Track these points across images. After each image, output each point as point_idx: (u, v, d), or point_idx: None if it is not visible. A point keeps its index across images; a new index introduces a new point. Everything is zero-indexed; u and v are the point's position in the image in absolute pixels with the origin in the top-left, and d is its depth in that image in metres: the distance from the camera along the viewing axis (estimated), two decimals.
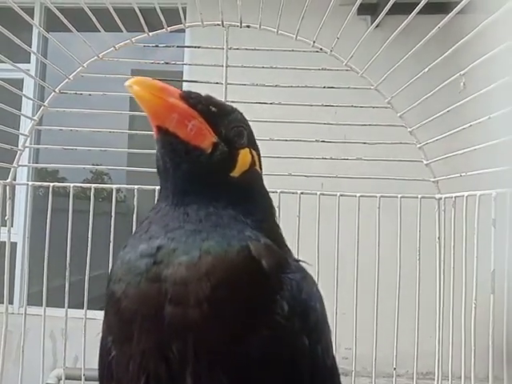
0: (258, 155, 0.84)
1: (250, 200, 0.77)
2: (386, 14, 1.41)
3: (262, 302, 0.67)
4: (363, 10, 3.15)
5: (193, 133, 0.71)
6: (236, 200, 0.74)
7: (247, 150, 0.80)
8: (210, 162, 0.73)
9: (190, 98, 0.72)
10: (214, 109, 0.75)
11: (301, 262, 0.79)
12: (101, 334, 0.76)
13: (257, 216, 0.75)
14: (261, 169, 0.86)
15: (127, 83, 0.67)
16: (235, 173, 0.76)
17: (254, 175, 0.81)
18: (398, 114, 1.66)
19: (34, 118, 1.70)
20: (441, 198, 1.65)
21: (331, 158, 1.77)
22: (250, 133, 0.83)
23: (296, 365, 0.68)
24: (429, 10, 1.36)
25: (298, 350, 0.68)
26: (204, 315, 0.63)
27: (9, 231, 1.68)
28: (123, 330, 0.69)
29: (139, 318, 0.66)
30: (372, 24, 1.56)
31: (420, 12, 1.30)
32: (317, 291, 0.77)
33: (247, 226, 0.72)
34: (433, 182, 1.67)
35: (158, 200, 0.78)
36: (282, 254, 0.75)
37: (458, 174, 1.51)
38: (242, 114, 0.82)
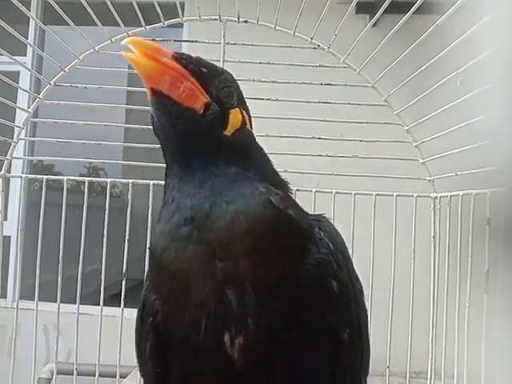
0: (249, 115, 0.87)
1: (247, 156, 0.80)
2: (384, 12, 1.41)
3: (296, 248, 0.74)
4: (361, 8, 3.15)
5: (185, 94, 0.74)
6: (234, 158, 0.78)
7: (237, 109, 0.82)
8: (203, 123, 0.76)
9: (182, 59, 0.75)
10: (204, 69, 0.77)
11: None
12: (141, 303, 0.84)
13: (258, 170, 0.79)
14: (251, 128, 0.88)
15: (123, 42, 0.71)
16: (227, 132, 0.79)
17: (246, 133, 0.84)
18: (395, 112, 1.66)
19: (29, 110, 1.69)
20: (436, 197, 1.65)
21: (327, 155, 1.77)
22: (240, 94, 0.85)
23: (334, 293, 0.77)
24: (426, 9, 1.36)
25: (334, 279, 0.77)
26: (253, 264, 0.70)
27: (2, 224, 1.68)
28: (177, 289, 0.74)
29: (193, 275, 0.72)
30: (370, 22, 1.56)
31: (417, 11, 1.30)
32: (337, 235, 0.82)
33: (254, 180, 0.76)
34: (429, 180, 1.67)
35: (166, 162, 0.81)
36: (298, 204, 0.82)
37: (454, 173, 1.51)
38: (231, 75, 0.84)
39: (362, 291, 0.87)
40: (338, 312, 0.77)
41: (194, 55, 0.79)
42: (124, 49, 0.73)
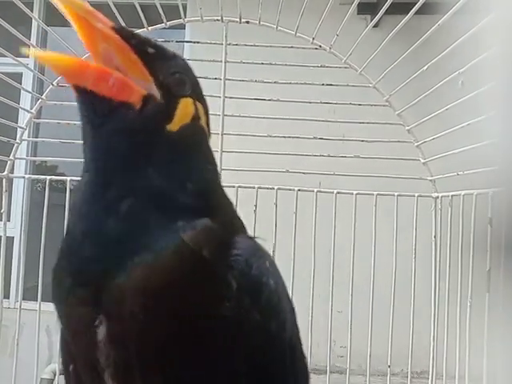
0: (206, 110, 0.72)
1: (189, 162, 0.66)
2: (386, 13, 1.41)
3: (208, 291, 0.61)
4: (363, 9, 3.15)
5: (116, 87, 0.60)
6: (171, 160, 0.64)
7: (190, 100, 0.68)
8: (140, 118, 0.62)
9: (124, 31, 0.62)
10: (151, 50, 0.65)
11: (256, 239, 0.71)
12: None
13: (197, 184, 0.65)
14: (208, 127, 0.73)
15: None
16: (172, 126, 0.64)
17: (195, 130, 0.69)
18: (396, 113, 1.67)
19: (32, 110, 1.70)
20: (438, 197, 1.65)
21: (329, 156, 1.77)
22: (196, 83, 0.71)
23: (248, 341, 0.63)
24: (427, 9, 1.36)
25: (250, 328, 0.63)
26: (142, 326, 0.58)
27: (4, 224, 1.68)
28: (65, 326, 0.66)
29: (71, 330, 0.64)
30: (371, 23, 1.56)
31: (419, 12, 1.30)
32: (270, 266, 0.69)
33: (182, 204, 0.62)
34: (430, 180, 1.68)
35: (82, 170, 0.66)
36: (225, 234, 0.65)
37: (455, 173, 1.51)
38: (185, 61, 0.71)
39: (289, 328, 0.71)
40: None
41: (153, 40, 0.67)
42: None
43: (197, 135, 0.69)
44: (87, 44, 0.61)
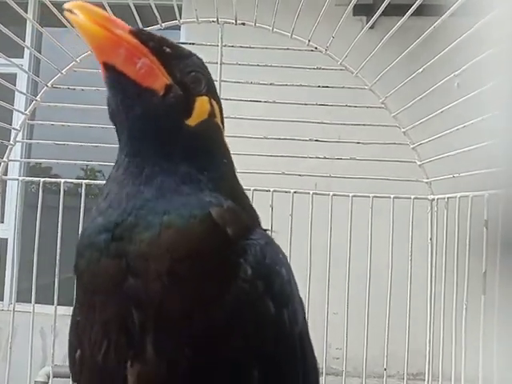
0: (220, 108, 0.76)
1: (206, 153, 0.70)
2: (381, 15, 1.41)
3: (225, 270, 0.64)
4: (359, 10, 3.15)
5: (143, 71, 0.64)
6: (192, 152, 0.68)
7: (206, 98, 0.71)
8: (163, 106, 0.66)
9: (141, 34, 0.65)
10: (168, 49, 0.67)
11: (267, 232, 0.76)
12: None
13: (215, 173, 0.69)
14: (223, 124, 0.77)
15: (66, 5, 0.59)
16: (191, 121, 0.68)
17: (212, 127, 0.73)
18: (392, 115, 1.67)
19: (26, 112, 1.69)
20: (434, 199, 1.65)
21: (325, 158, 1.77)
22: (211, 81, 0.74)
23: (260, 330, 0.65)
24: (423, 11, 1.36)
25: (262, 315, 0.65)
26: (164, 288, 0.61)
27: None
28: (87, 300, 0.68)
29: (101, 291, 0.65)
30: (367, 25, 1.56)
31: (415, 13, 1.30)
32: (283, 257, 0.73)
33: (206, 186, 0.67)
34: (426, 182, 1.68)
35: (118, 150, 0.71)
36: (246, 219, 0.70)
37: (451, 175, 1.51)
38: (201, 59, 0.74)
39: (299, 320, 0.72)
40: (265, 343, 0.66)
41: (169, 40, 0.69)
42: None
43: (213, 131, 0.73)
44: (103, 52, 0.63)
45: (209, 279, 0.63)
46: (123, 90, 0.65)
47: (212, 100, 0.73)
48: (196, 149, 0.69)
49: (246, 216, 0.71)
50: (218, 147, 0.74)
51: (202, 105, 0.70)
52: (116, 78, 0.64)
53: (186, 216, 0.62)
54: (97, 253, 0.64)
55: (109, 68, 0.64)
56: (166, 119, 0.67)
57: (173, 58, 0.68)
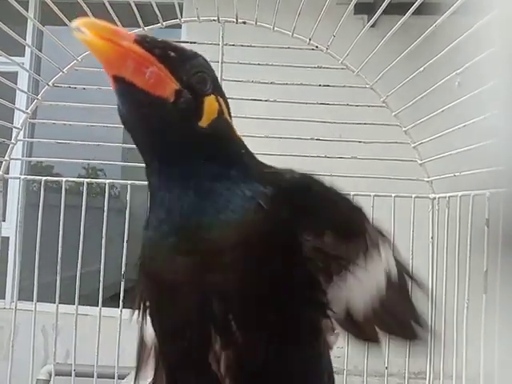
0: (226, 103, 0.78)
1: (227, 149, 0.73)
2: (383, 13, 1.41)
3: (286, 246, 0.70)
4: (360, 9, 3.15)
5: (152, 81, 0.65)
6: (214, 152, 0.71)
7: (213, 97, 0.73)
8: (175, 112, 0.67)
9: (146, 42, 0.65)
10: (172, 54, 0.68)
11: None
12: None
13: (241, 165, 0.73)
14: (231, 119, 0.80)
15: (73, 24, 0.60)
16: (204, 122, 0.70)
17: (223, 123, 0.75)
18: (393, 114, 1.67)
19: (27, 111, 1.69)
20: (435, 198, 1.65)
21: (325, 157, 1.77)
22: (215, 79, 0.76)
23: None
24: (424, 10, 1.36)
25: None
26: (241, 276, 0.67)
27: (0, 225, 1.67)
28: (164, 300, 0.72)
29: (182, 286, 0.69)
30: (368, 23, 1.56)
31: (416, 12, 1.30)
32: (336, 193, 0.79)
33: (239, 181, 0.71)
34: (427, 181, 1.68)
35: (145, 159, 0.73)
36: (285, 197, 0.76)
37: (452, 174, 1.51)
38: (204, 58, 0.74)
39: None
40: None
41: (160, 38, 0.70)
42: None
43: (225, 128, 0.76)
44: (112, 66, 0.64)
45: (275, 259, 0.69)
46: (134, 100, 0.66)
47: (219, 97, 0.74)
48: (215, 148, 0.71)
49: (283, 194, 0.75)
50: (233, 142, 0.76)
51: (210, 104, 0.71)
52: (126, 89, 0.65)
53: (238, 211, 0.67)
54: (171, 253, 0.68)
55: (119, 80, 0.64)
56: (181, 123, 0.68)
57: (178, 61, 0.68)
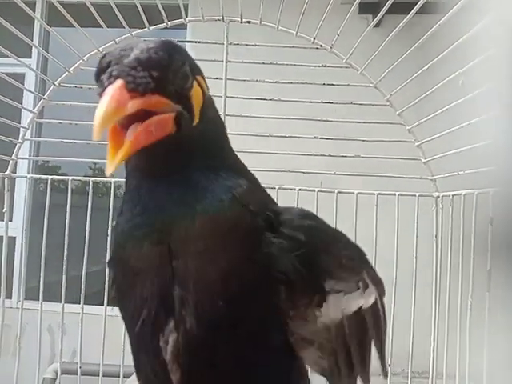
0: (203, 76, 0.75)
1: (213, 139, 0.74)
2: (387, 13, 1.41)
3: (253, 238, 0.72)
4: (364, 9, 3.16)
5: (159, 132, 0.64)
6: (203, 144, 0.72)
7: (195, 84, 0.70)
8: (179, 137, 0.67)
9: (138, 84, 0.62)
10: (155, 73, 0.63)
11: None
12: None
13: (222, 156, 0.76)
14: (208, 89, 0.77)
15: (95, 136, 0.63)
16: (196, 119, 0.70)
17: (209, 106, 0.75)
18: (397, 112, 1.67)
19: (34, 110, 1.71)
20: (438, 196, 1.65)
21: (330, 155, 1.77)
22: (190, 59, 0.71)
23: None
24: (428, 9, 1.36)
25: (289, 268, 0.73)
26: (204, 263, 0.68)
27: (6, 224, 1.69)
28: (127, 282, 0.74)
29: (142, 273, 0.71)
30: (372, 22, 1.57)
31: (420, 11, 1.30)
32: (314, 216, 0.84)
33: (222, 172, 0.73)
34: (431, 180, 1.68)
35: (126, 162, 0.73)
36: (262, 196, 0.80)
37: (456, 173, 1.51)
38: (180, 53, 0.69)
39: None
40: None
41: (142, 57, 0.64)
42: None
43: (211, 111, 0.76)
44: (132, 149, 0.64)
45: (240, 249, 0.70)
46: (147, 150, 0.65)
47: (198, 78, 0.72)
48: (204, 139, 0.72)
49: (261, 193, 0.80)
50: (216, 129, 0.77)
51: (196, 95, 0.70)
52: (140, 151, 0.64)
53: (214, 202, 0.69)
54: (139, 242, 0.70)
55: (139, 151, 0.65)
56: (185, 143, 0.69)
57: (163, 78, 0.65)
